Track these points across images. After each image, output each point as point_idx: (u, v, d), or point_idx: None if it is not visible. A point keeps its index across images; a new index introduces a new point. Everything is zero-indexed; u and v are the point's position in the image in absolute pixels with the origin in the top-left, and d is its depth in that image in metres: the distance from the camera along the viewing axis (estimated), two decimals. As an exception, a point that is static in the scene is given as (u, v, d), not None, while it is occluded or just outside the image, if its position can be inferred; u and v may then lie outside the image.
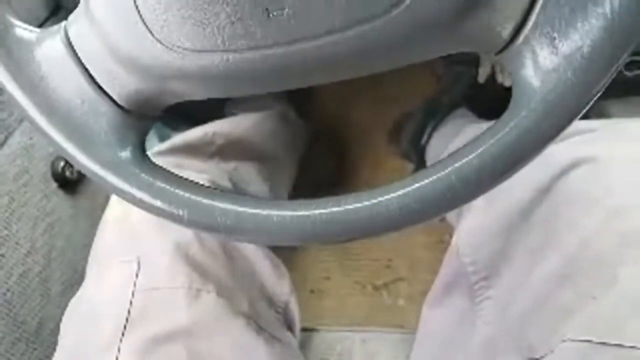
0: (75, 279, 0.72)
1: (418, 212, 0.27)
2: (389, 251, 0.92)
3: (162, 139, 0.86)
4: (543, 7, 0.23)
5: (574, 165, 0.40)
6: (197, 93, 0.29)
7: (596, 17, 0.22)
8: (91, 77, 0.29)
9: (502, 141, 0.25)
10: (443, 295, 0.52)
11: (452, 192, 0.26)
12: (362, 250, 0.93)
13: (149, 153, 0.60)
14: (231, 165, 0.69)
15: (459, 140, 0.72)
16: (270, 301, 0.56)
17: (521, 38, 0.24)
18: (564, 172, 0.40)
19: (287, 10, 0.24)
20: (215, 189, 0.31)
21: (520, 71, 0.25)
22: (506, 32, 0.24)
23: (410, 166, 0.94)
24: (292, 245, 0.32)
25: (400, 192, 0.26)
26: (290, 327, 0.59)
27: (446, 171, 0.26)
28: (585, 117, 0.26)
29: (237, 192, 0.63)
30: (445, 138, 0.79)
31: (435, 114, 0.87)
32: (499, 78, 0.81)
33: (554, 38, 0.23)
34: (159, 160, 0.59)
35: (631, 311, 0.33)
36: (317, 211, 0.28)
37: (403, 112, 0.97)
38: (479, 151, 0.25)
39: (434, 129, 0.86)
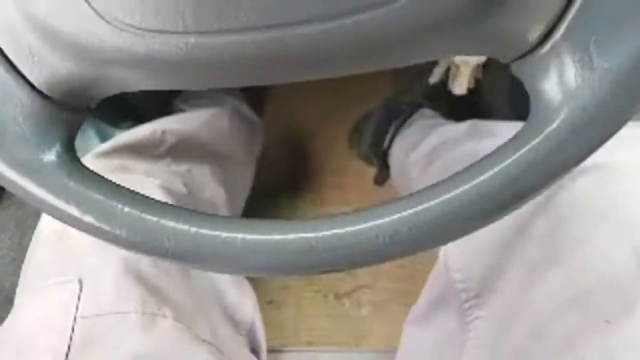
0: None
1: (422, 239, 0.22)
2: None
3: (104, 138, 0.77)
4: (582, 8, 0.19)
5: (578, 174, 0.36)
6: (145, 83, 0.23)
7: None
8: (1, 53, 0.22)
9: (521, 161, 0.21)
10: (428, 312, 0.48)
11: (464, 216, 0.22)
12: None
13: (88, 155, 0.53)
14: (184, 167, 0.62)
15: (426, 144, 0.67)
16: (233, 322, 0.50)
17: (548, 45, 0.20)
18: (567, 181, 0.37)
19: None
20: (164, 203, 0.25)
21: (543, 83, 0.21)
22: (533, 36, 0.20)
23: (373, 171, 0.90)
24: (259, 276, 0.26)
25: (403, 214, 0.22)
26: (254, 349, 0.53)
27: (457, 192, 0.22)
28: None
29: (192, 200, 0.57)
30: (410, 142, 0.74)
31: (396, 115, 0.81)
32: (449, 84, 0.76)
33: (590, 48, 0.20)
34: (101, 163, 0.52)
35: None
36: (291, 235, 0.23)
37: (362, 112, 0.93)
38: (495, 170, 0.21)
39: (396, 132, 0.81)
